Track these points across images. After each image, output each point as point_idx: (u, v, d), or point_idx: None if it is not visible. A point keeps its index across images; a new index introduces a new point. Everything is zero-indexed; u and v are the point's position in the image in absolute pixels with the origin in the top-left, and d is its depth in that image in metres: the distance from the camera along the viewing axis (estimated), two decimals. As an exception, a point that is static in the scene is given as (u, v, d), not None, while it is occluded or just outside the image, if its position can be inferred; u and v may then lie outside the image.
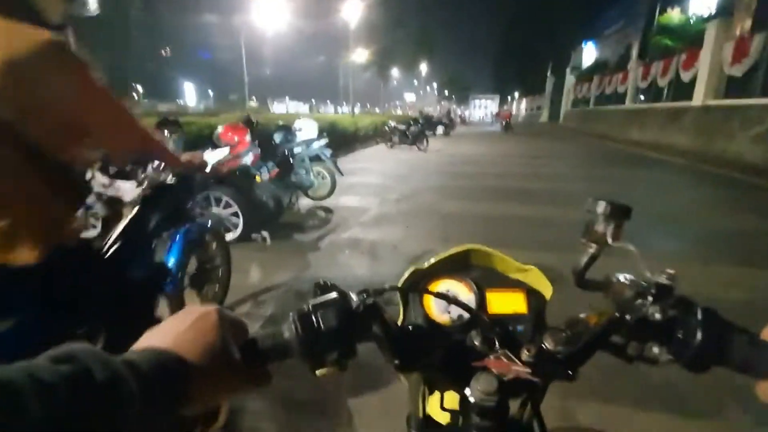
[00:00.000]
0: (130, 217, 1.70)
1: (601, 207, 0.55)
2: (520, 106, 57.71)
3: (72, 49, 1.06)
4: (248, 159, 4.16)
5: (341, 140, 11.73)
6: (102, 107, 1.17)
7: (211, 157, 3.71)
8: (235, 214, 3.90)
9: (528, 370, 0.49)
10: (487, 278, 0.66)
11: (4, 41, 0.94)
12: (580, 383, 0.52)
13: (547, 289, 0.64)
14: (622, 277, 0.56)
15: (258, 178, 4.22)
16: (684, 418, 1.81)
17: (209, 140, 4.62)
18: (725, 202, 6.23)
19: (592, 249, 0.57)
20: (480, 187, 7.13)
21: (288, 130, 5.60)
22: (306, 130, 5.80)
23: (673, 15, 20.65)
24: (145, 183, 1.86)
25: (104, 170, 3.48)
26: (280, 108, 63.97)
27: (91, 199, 3.84)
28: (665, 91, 16.47)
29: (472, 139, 19.32)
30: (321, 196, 5.70)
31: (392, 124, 14.52)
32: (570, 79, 30.81)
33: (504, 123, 26.09)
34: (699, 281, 3.06)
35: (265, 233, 4.09)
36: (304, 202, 5.59)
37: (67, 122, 1.10)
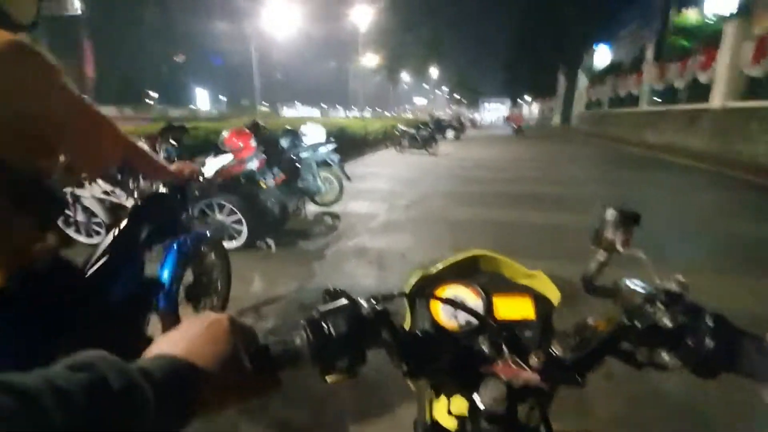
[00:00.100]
0: (118, 230, 1.60)
1: (611, 214, 0.56)
2: (531, 109, 57.27)
3: (38, 52, 0.96)
4: (253, 165, 4.06)
5: (350, 145, 11.63)
6: (74, 115, 1.06)
7: (214, 163, 3.62)
8: (239, 222, 3.80)
9: (536, 376, 0.49)
10: (494, 284, 0.66)
11: None
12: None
13: (554, 295, 0.64)
14: (631, 284, 0.56)
15: (263, 185, 4.13)
16: None
17: (215, 146, 4.55)
18: (744, 208, 5.99)
19: (602, 256, 0.58)
20: (491, 193, 6.96)
21: (295, 134, 5.52)
22: (313, 134, 5.70)
23: (689, 15, 20.23)
24: (136, 193, 1.76)
25: (107, 177, 3.41)
26: (290, 113, 64.43)
27: (94, 207, 3.82)
28: (681, 92, 16.10)
29: (483, 143, 19.10)
30: (328, 201, 5.58)
31: (402, 128, 14.40)
32: (583, 81, 30.41)
33: (515, 126, 25.83)
34: (714, 292, 2.87)
35: (270, 240, 3.99)
36: (311, 208, 5.49)
37: (34, 131, 0.99)
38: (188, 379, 0.37)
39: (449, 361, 0.53)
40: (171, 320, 1.95)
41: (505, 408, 0.49)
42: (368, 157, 12.38)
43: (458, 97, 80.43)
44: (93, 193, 3.68)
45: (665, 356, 0.50)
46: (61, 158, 1.13)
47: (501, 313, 0.63)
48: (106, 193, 3.67)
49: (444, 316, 0.62)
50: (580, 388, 0.51)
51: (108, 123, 1.16)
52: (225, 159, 3.73)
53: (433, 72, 48.70)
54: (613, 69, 25.12)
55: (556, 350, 0.52)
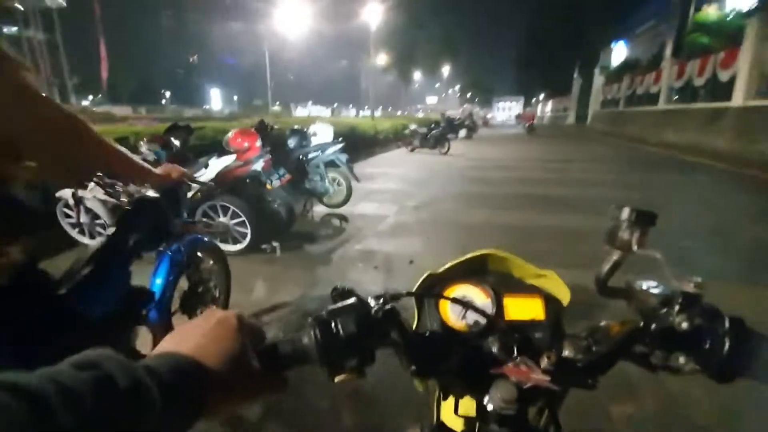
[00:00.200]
0: (104, 239, 1.49)
1: (626, 213, 0.55)
2: (545, 108, 56.46)
3: None
4: (258, 165, 3.96)
5: (361, 144, 11.52)
6: (41, 117, 0.96)
7: (217, 164, 3.52)
8: (243, 224, 3.70)
9: (547, 377, 0.48)
10: (503, 284, 0.65)
11: None
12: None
13: (565, 296, 0.63)
14: (645, 285, 0.55)
15: (268, 186, 4.02)
16: None
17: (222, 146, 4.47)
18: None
19: (616, 256, 0.56)
20: (504, 194, 6.77)
21: (302, 134, 5.42)
22: (321, 134, 5.60)
23: (710, 11, 19.66)
24: (123, 199, 1.66)
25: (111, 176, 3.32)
26: (302, 112, 64.65)
27: (97, 208, 3.75)
28: (701, 91, 15.67)
29: (496, 142, 18.81)
30: (336, 203, 5.46)
31: (413, 127, 14.23)
32: (598, 79, 29.82)
33: (527, 125, 25.44)
34: (737, 302, 2.67)
35: (275, 243, 3.89)
36: (319, 210, 5.38)
37: None
38: (195, 378, 0.37)
39: (458, 361, 0.52)
40: (163, 332, 1.85)
41: (515, 410, 0.49)
42: (378, 156, 12.24)
43: (470, 95, 79.81)
44: (95, 194, 3.62)
45: (681, 360, 0.49)
46: (30, 164, 1.03)
47: (511, 313, 0.61)
48: (108, 194, 3.61)
49: (452, 316, 0.61)
50: (592, 390, 0.50)
51: (83, 126, 1.06)
52: (228, 160, 3.63)
53: (446, 70, 48.32)
54: (630, 67, 24.59)
55: (567, 352, 0.51)
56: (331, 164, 5.27)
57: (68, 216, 3.87)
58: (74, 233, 3.89)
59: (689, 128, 15.09)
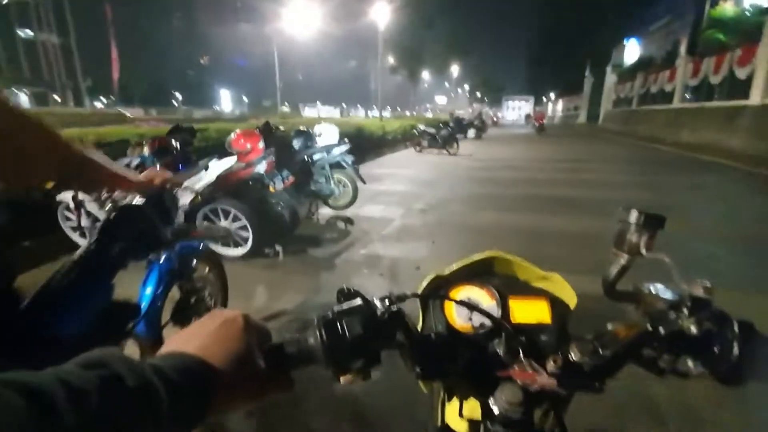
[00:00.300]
0: (80, 251, 1.40)
1: (634, 216, 0.55)
2: (556, 107, 55.81)
3: None
4: (261, 167, 3.86)
5: (368, 145, 11.41)
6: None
7: (218, 166, 3.43)
8: (245, 228, 3.60)
9: (554, 381, 0.48)
10: (509, 286, 0.64)
11: None
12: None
13: (571, 299, 0.63)
14: (653, 288, 0.55)
15: (272, 188, 3.92)
16: None
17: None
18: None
19: (624, 259, 0.56)
20: (514, 196, 6.60)
21: (307, 135, 5.32)
22: (326, 135, 5.49)
23: (726, 7, 19.20)
24: (108, 205, 1.56)
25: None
26: (311, 112, 64.81)
27: (97, 211, 3.68)
28: (718, 89, 15.30)
29: (506, 142, 18.56)
30: (342, 205, 5.35)
31: (421, 127, 14.06)
32: (611, 77, 29.38)
33: (537, 125, 25.18)
34: (757, 313, 2.50)
35: (278, 247, 3.79)
36: (324, 212, 5.28)
37: None
38: (202, 378, 0.36)
39: (464, 363, 0.52)
40: (152, 346, 1.75)
41: (520, 413, 0.48)
42: (386, 157, 12.12)
43: (480, 94, 79.25)
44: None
45: (689, 363, 0.49)
46: None
47: (516, 315, 0.61)
48: (109, 197, 3.54)
49: (458, 317, 0.61)
50: (599, 393, 0.50)
51: (39, 128, 0.95)
52: (229, 162, 3.54)
53: (455, 70, 47.99)
54: (644, 65, 24.19)
55: (574, 355, 0.51)
56: (336, 165, 5.16)
57: (69, 219, 3.81)
58: (75, 236, 3.84)
59: (705, 127, 14.73)
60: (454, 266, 0.67)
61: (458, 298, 0.58)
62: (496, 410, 0.50)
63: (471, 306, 0.56)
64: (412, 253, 3.85)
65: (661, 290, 0.54)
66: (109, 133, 4.98)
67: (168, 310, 1.93)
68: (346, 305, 0.46)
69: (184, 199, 3.23)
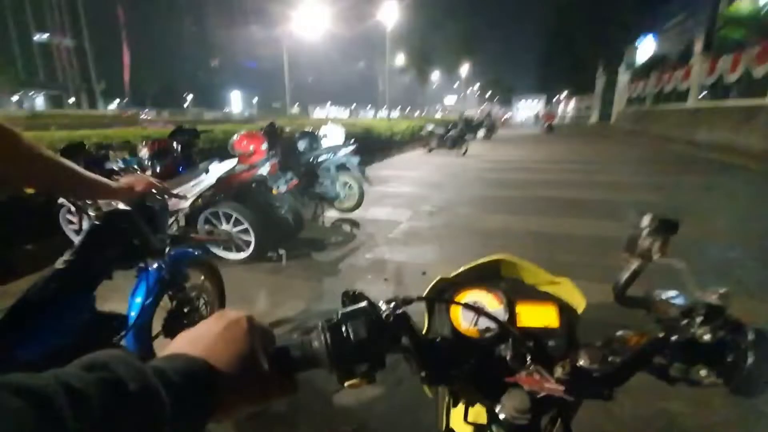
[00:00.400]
0: (60, 261, 1.32)
1: (647, 220, 0.53)
2: (567, 107, 55.14)
3: None
4: (264, 169, 3.79)
5: (376, 146, 11.31)
6: None
7: (218, 168, 3.36)
8: (246, 232, 3.52)
9: (561, 387, 0.47)
10: (516, 290, 0.63)
11: None
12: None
13: (579, 303, 0.61)
14: (665, 295, 0.53)
15: (275, 191, 3.84)
16: None
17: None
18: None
19: (635, 264, 0.55)
20: (525, 198, 6.43)
21: (312, 136, 5.24)
22: (332, 136, 5.41)
23: (743, 4, 18.75)
24: (91, 213, 1.48)
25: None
26: (321, 113, 64.93)
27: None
28: (734, 87, 14.94)
29: (516, 142, 18.32)
30: (348, 207, 5.25)
31: (430, 128, 13.93)
32: (623, 76, 28.92)
33: (546, 125, 24.87)
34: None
35: (281, 251, 3.71)
36: (330, 215, 5.19)
37: None
38: (206, 380, 0.36)
39: (470, 368, 0.52)
40: (141, 358, 1.66)
41: (527, 419, 0.48)
42: (394, 158, 12.01)
43: (490, 94, 78.70)
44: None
45: (702, 372, 0.47)
46: None
47: (524, 320, 0.60)
48: (109, 202, 3.48)
49: (464, 321, 0.60)
50: (608, 401, 0.48)
51: (17, 136, 0.89)
52: (230, 164, 3.46)
53: (464, 70, 47.67)
54: (658, 63, 23.76)
55: (582, 361, 0.50)
56: (342, 167, 5.07)
57: (71, 222, 3.77)
58: (77, 240, 3.79)
59: (721, 127, 14.36)
60: (461, 269, 0.66)
61: (465, 302, 0.57)
62: (502, 416, 0.49)
63: (477, 310, 0.55)
64: (418, 258, 3.73)
65: (673, 296, 0.53)
66: (117, 135, 4.95)
67: (159, 321, 1.85)
68: (351, 308, 0.45)
69: (185, 202, 3.16)
